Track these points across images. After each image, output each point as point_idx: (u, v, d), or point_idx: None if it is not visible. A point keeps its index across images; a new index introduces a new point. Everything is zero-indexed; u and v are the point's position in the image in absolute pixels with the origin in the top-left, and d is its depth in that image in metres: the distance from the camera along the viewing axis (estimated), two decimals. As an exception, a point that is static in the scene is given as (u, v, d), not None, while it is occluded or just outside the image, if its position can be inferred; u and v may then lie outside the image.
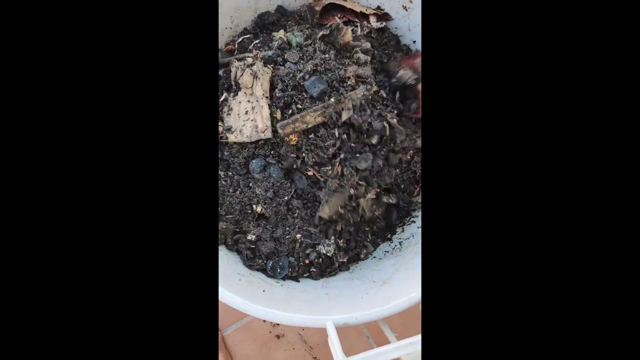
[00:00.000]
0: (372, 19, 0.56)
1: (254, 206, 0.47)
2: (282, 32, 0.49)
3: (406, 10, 0.53)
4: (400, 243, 0.54)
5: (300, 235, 0.48)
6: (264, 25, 0.53)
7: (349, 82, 0.46)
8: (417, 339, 0.36)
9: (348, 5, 0.54)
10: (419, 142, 0.50)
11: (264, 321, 0.77)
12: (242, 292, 0.40)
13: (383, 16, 0.56)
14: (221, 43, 0.53)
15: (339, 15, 0.55)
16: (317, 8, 0.54)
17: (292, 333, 0.77)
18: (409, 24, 0.54)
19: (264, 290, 0.44)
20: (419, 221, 0.54)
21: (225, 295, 0.39)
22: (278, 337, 0.77)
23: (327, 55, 0.46)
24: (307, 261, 0.48)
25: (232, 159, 0.48)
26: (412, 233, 0.54)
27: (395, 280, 0.47)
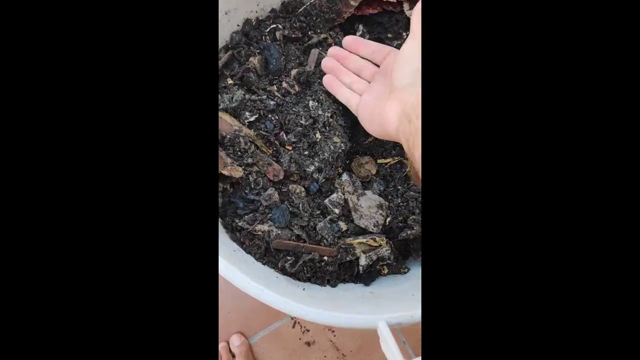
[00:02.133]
0: (406, 7, 0.53)
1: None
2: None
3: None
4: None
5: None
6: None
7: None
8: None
9: None
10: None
11: (293, 327, 0.73)
12: (281, 289, 0.36)
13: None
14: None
15: (374, 7, 0.52)
16: (353, 2, 0.51)
17: (323, 340, 0.73)
18: None
19: (304, 289, 0.40)
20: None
21: (264, 293, 0.35)
22: (308, 344, 0.73)
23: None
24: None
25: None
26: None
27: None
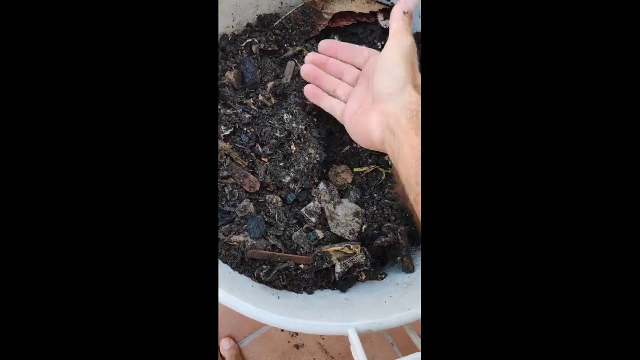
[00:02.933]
0: (380, 18, 0.54)
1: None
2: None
3: (414, -5, 0.50)
4: (422, 242, 0.51)
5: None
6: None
7: None
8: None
9: (357, 9, 0.52)
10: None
11: (282, 331, 0.74)
12: (255, 300, 0.38)
13: (391, 10, 0.54)
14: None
15: (347, 19, 0.53)
16: (326, 16, 0.52)
17: (312, 343, 0.74)
18: (417, 10, 0.52)
19: (279, 297, 0.41)
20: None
21: (238, 304, 0.36)
22: (297, 347, 0.74)
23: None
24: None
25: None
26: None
27: (419, 282, 0.43)
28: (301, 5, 0.52)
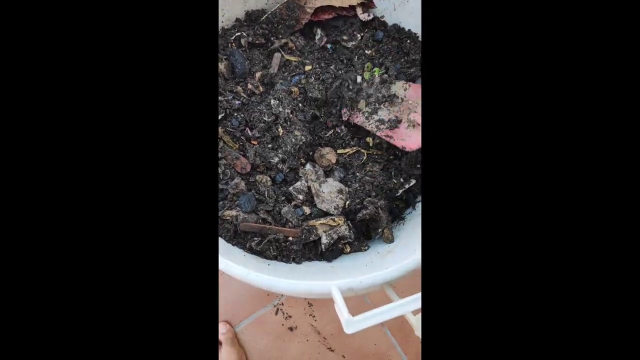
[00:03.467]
0: (359, 11, 0.58)
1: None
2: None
3: (389, -11, 0.55)
4: (404, 218, 0.54)
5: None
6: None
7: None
8: (419, 295, 0.37)
9: (336, 3, 0.56)
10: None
11: (276, 314, 0.77)
12: (246, 264, 0.41)
13: (368, 4, 0.58)
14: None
15: (328, 13, 0.57)
16: (308, 10, 0.56)
17: (304, 325, 0.77)
18: (393, 4, 0.56)
19: (268, 264, 0.45)
20: (419, 196, 0.54)
21: (229, 266, 0.39)
22: (291, 329, 0.77)
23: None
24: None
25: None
26: (413, 207, 0.54)
27: (398, 249, 0.47)
28: (285, 0, 0.57)
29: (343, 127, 0.53)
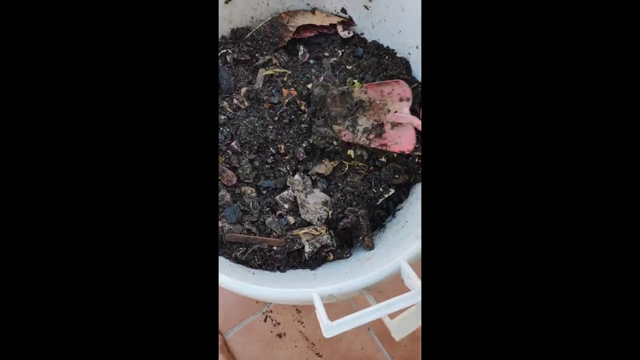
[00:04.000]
0: (340, 29, 0.61)
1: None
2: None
3: (367, 9, 0.58)
4: (384, 225, 0.57)
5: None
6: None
7: None
8: (395, 300, 0.39)
9: (317, 22, 0.59)
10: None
11: (265, 321, 0.79)
12: (231, 274, 0.43)
13: (348, 22, 0.61)
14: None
15: (310, 31, 0.60)
16: (291, 28, 0.59)
17: (293, 331, 0.79)
18: (372, 22, 0.59)
19: (253, 273, 0.47)
20: (402, 203, 0.57)
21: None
22: (280, 336, 0.79)
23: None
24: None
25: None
26: (393, 215, 0.57)
27: (377, 256, 0.49)
28: (269, 19, 0.59)
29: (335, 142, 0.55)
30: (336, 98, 0.51)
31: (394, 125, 0.49)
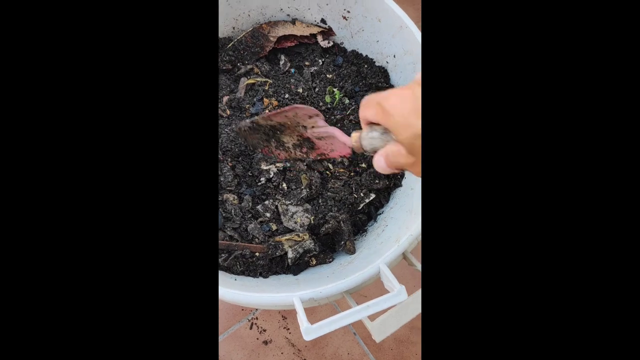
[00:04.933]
0: (320, 38, 0.62)
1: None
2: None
3: (346, 19, 0.60)
4: (366, 230, 0.58)
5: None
6: None
7: None
8: (375, 301, 0.40)
9: (298, 32, 0.60)
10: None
11: (250, 328, 0.79)
12: (213, 280, 0.43)
13: (328, 32, 0.62)
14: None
15: (291, 41, 0.61)
16: (272, 38, 0.60)
17: (279, 338, 0.79)
18: (350, 32, 0.61)
19: (235, 279, 0.47)
20: (383, 207, 0.58)
21: (197, 283, 0.42)
22: (266, 343, 0.79)
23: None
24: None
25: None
26: (374, 219, 0.58)
27: (358, 260, 0.51)
28: (250, 29, 0.61)
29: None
30: (249, 130, 0.50)
31: (320, 138, 0.48)
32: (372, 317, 0.41)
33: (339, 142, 0.49)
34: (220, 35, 0.61)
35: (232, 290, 0.42)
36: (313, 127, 0.47)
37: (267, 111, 0.56)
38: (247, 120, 0.49)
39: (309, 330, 0.38)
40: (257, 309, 0.80)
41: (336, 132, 0.47)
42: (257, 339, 0.78)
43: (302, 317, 0.39)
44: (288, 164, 0.54)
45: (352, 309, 0.39)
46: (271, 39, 0.60)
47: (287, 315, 0.80)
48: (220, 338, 0.78)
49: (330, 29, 0.62)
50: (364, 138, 0.38)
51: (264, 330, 0.79)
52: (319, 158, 0.52)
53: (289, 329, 0.79)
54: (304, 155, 0.49)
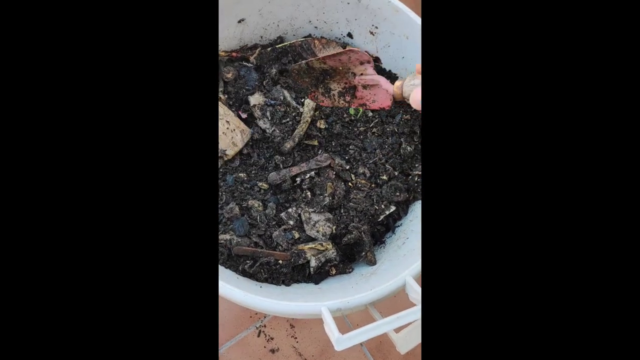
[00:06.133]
0: (370, 70, 0.57)
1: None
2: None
3: (373, 34, 0.61)
4: (384, 241, 0.59)
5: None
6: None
7: None
8: (403, 313, 0.40)
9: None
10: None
11: (258, 336, 0.78)
12: (240, 286, 0.44)
13: (375, 60, 0.60)
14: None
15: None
16: (318, 54, 0.57)
17: (286, 346, 0.79)
18: (376, 47, 0.62)
19: (260, 287, 0.47)
20: (401, 220, 0.59)
21: (225, 288, 0.42)
22: (273, 351, 0.78)
23: None
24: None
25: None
26: (392, 231, 0.59)
27: (381, 271, 0.51)
28: (301, 40, 0.60)
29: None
30: (301, 71, 0.51)
31: (365, 86, 0.50)
32: (396, 329, 0.42)
33: (382, 92, 0.52)
34: (248, 42, 0.62)
35: (260, 297, 0.42)
36: (362, 74, 0.50)
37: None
38: (302, 62, 0.51)
39: (341, 341, 0.38)
40: (265, 317, 0.79)
41: (382, 79, 0.51)
42: (265, 347, 0.78)
43: (332, 327, 0.40)
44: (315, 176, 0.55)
45: (382, 320, 0.40)
46: (317, 54, 0.60)
47: (295, 324, 0.80)
48: (228, 345, 0.77)
49: (377, 59, 0.62)
50: (406, 85, 0.48)
51: (272, 339, 0.78)
52: (364, 108, 0.53)
53: (296, 337, 0.79)
54: (346, 104, 0.51)
